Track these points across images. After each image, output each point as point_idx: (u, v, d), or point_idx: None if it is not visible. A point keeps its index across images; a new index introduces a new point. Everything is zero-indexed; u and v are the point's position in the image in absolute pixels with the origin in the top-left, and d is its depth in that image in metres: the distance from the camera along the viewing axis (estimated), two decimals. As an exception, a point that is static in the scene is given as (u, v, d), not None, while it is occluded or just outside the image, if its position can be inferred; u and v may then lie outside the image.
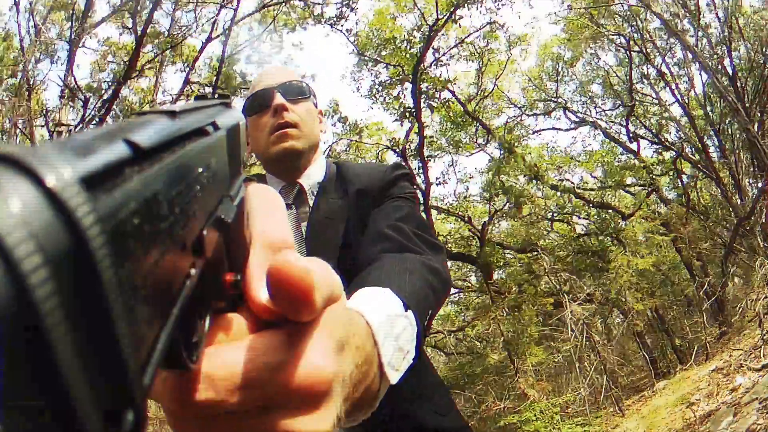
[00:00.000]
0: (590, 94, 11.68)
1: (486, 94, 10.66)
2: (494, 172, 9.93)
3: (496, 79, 10.65)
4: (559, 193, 10.10)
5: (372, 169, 1.26)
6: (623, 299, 7.93)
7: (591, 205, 10.25)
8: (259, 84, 1.28)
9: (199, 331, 0.28)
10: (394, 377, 0.53)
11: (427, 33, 9.27)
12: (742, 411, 5.41)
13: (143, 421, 0.18)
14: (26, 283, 0.12)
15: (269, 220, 0.37)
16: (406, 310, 0.63)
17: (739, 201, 9.66)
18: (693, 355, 8.33)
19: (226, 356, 0.30)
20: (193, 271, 0.24)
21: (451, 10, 9.20)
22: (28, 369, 0.13)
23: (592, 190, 11.29)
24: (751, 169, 9.81)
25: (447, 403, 1.17)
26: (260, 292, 0.32)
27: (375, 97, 10.16)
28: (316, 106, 1.33)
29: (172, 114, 0.25)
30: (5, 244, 0.12)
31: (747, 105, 9.45)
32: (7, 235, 0.12)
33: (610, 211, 10.13)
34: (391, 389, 0.53)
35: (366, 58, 10.04)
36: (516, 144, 10.19)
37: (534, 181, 9.79)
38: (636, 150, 10.42)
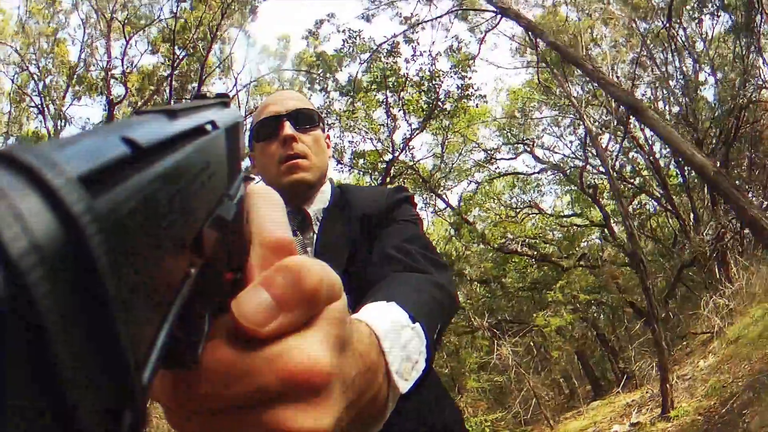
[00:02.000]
0: (560, 131, 12.19)
1: (448, 171, 11.65)
2: (446, 242, 11.06)
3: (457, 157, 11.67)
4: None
5: (375, 192, 1.27)
6: (545, 347, 9.10)
7: (534, 259, 11.08)
8: (267, 109, 1.27)
9: (198, 330, 0.28)
10: (403, 386, 0.52)
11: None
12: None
13: (143, 420, 0.18)
14: (24, 282, 0.12)
15: (269, 220, 0.36)
16: (413, 322, 0.63)
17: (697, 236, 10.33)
18: (621, 383, 9.36)
19: (223, 348, 0.30)
20: (192, 270, 0.25)
21: (405, 139, 10.38)
22: (27, 369, 0.13)
23: (561, 216, 12.11)
24: (710, 206, 10.36)
25: (459, 422, 1.17)
26: (244, 307, 0.30)
27: (357, 166, 11.19)
28: (324, 131, 1.33)
29: (171, 113, 0.25)
30: (2, 241, 0.12)
31: (710, 148, 9.97)
32: (4, 232, 0.12)
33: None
34: (405, 404, 0.53)
35: (342, 164, 11.22)
36: (469, 213, 11.24)
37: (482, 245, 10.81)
38: (594, 194, 11.01)
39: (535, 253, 10.97)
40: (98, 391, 0.15)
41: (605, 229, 11.10)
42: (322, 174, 1.26)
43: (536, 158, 11.95)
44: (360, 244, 1.15)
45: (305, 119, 1.25)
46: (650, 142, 10.98)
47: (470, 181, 12.07)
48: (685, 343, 9.38)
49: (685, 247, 10.16)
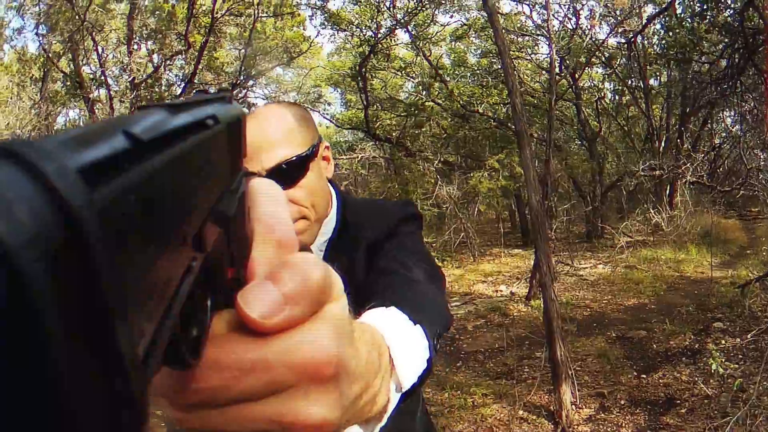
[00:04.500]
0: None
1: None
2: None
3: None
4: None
5: (382, 213, 1.22)
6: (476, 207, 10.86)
7: (493, 120, 11.76)
8: (246, 160, 0.94)
9: (200, 325, 0.28)
10: (406, 383, 0.55)
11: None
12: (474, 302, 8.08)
13: (144, 417, 0.18)
14: (21, 275, 0.12)
15: (272, 216, 0.36)
16: (414, 324, 0.66)
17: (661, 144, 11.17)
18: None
19: (231, 342, 0.30)
20: (193, 266, 0.25)
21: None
22: (27, 368, 0.13)
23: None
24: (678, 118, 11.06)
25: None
26: (251, 300, 0.30)
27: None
28: (319, 150, 1.15)
29: (172, 107, 0.25)
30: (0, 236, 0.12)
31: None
32: (2, 225, 0.12)
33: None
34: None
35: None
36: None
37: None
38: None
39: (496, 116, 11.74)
40: (97, 389, 0.15)
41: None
42: (323, 218, 1.17)
43: (531, 20, 11.75)
44: (364, 270, 1.13)
45: (292, 170, 1.09)
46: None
47: (463, 23, 12.10)
48: (609, 239, 10.66)
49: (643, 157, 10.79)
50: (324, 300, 0.33)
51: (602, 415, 4.52)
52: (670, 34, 8.44)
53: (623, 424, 4.35)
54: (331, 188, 1.23)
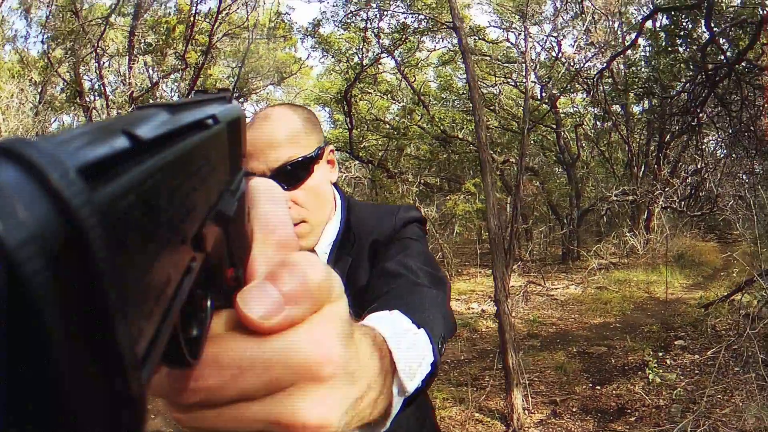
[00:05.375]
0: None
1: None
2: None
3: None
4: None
5: (385, 215, 1.21)
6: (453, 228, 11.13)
7: (472, 145, 11.75)
8: (249, 160, 1.09)
9: (200, 325, 0.28)
10: (410, 386, 0.55)
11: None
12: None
13: (143, 416, 0.18)
14: (21, 273, 0.12)
15: (272, 216, 0.36)
16: (417, 328, 0.65)
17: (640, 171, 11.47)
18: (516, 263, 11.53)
19: (230, 341, 0.30)
20: (193, 265, 0.24)
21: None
22: (27, 367, 0.13)
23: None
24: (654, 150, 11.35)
25: None
26: (250, 301, 0.30)
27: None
28: (324, 149, 1.17)
29: (172, 107, 0.25)
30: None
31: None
32: (2, 224, 0.12)
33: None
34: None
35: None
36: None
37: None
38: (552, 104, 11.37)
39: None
40: (95, 388, 0.15)
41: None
42: (323, 224, 1.18)
43: (516, 48, 12.01)
44: (367, 273, 1.13)
45: (296, 171, 1.11)
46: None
47: (450, 48, 12.30)
48: (584, 261, 10.54)
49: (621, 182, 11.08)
50: (324, 300, 0.33)
51: (553, 420, 4.70)
52: (633, 70, 8.84)
53: (573, 429, 4.53)
54: (336, 192, 1.24)
